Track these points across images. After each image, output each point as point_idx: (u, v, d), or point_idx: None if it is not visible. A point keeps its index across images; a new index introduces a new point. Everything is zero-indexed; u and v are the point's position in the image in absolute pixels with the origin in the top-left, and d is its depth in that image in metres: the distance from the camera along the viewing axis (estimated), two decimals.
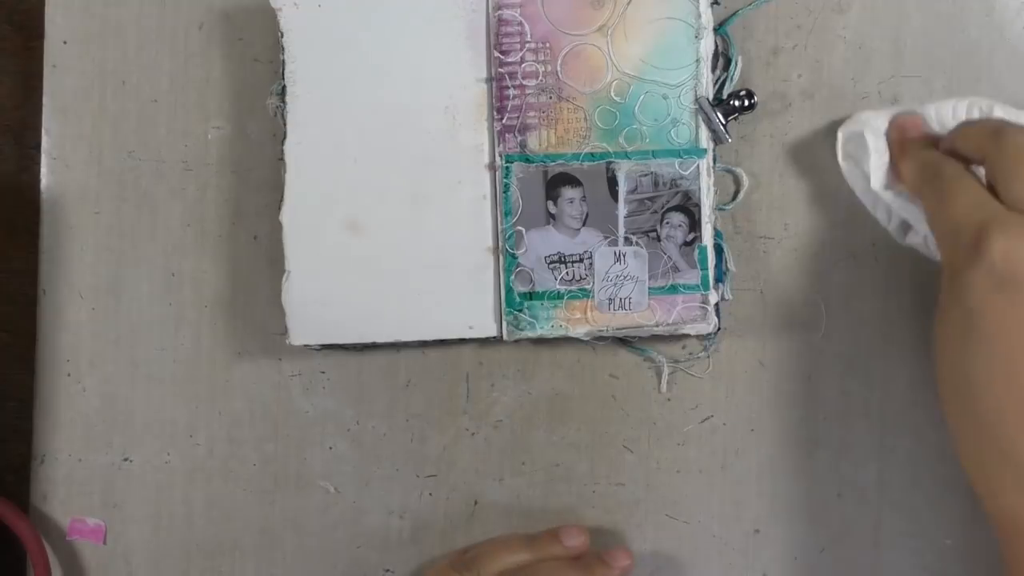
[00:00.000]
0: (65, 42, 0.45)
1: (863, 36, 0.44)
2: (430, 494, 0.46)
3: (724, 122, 0.42)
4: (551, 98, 0.43)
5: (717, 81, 0.43)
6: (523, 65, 0.42)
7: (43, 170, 0.45)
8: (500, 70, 0.42)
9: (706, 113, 0.42)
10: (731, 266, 0.44)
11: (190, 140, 0.45)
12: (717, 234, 0.43)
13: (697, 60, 0.42)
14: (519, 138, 0.43)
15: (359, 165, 0.43)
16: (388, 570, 0.46)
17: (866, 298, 0.44)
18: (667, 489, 0.45)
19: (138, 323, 0.46)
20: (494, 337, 0.43)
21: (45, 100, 0.45)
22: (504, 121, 0.43)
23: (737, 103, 0.43)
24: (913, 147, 0.40)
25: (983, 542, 0.45)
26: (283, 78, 0.43)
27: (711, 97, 0.42)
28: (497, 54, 0.42)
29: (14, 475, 0.46)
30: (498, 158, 0.43)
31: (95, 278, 0.46)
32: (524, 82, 0.43)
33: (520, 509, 0.46)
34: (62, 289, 0.46)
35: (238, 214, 0.45)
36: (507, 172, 0.43)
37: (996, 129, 0.36)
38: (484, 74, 0.43)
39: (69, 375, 0.46)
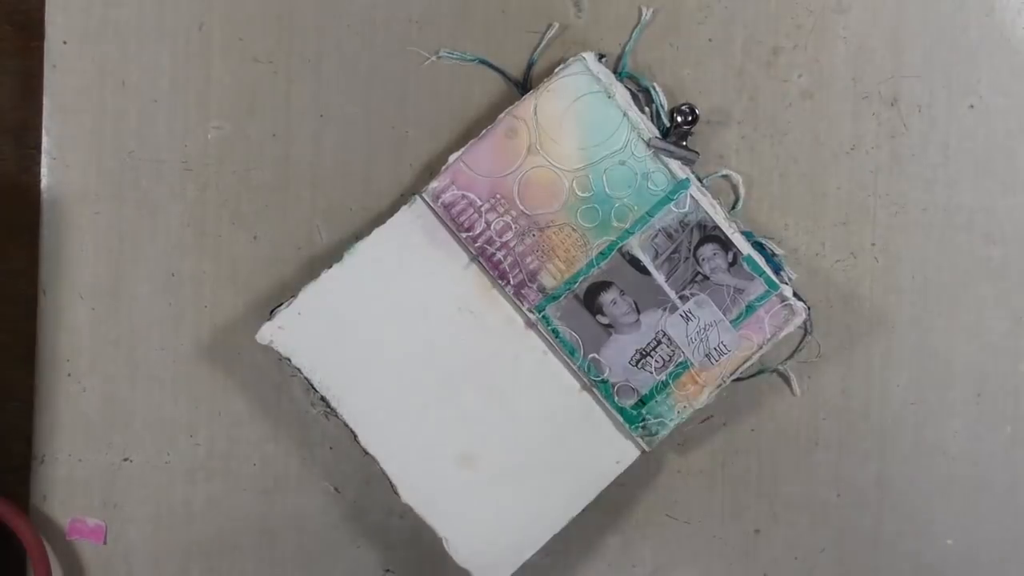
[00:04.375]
0: (65, 42, 0.45)
1: (863, 36, 0.44)
2: None
3: (684, 144, 0.42)
4: (534, 235, 0.43)
5: (652, 116, 0.43)
6: (491, 226, 0.43)
7: (43, 170, 0.45)
8: (476, 245, 0.43)
9: (663, 149, 0.42)
10: (778, 250, 0.44)
11: (190, 140, 0.45)
12: (747, 235, 0.43)
13: (624, 114, 0.42)
14: (534, 286, 0.43)
15: (431, 409, 0.43)
16: (388, 570, 0.46)
17: (866, 298, 0.44)
18: (667, 489, 0.45)
19: (138, 323, 0.46)
20: (643, 453, 0.43)
21: (45, 100, 0.45)
22: (512, 282, 0.43)
23: (681, 119, 0.43)
24: None
25: (983, 542, 0.45)
26: (315, 390, 0.43)
27: (658, 133, 0.42)
28: (464, 234, 0.42)
29: (14, 475, 0.46)
30: (531, 314, 0.43)
31: (95, 278, 0.46)
32: (502, 239, 0.43)
33: None
34: (62, 289, 0.46)
35: (238, 214, 0.45)
36: (546, 320, 0.43)
37: None
38: (466, 258, 0.43)
39: (69, 375, 0.46)
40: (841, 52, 0.44)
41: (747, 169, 0.44)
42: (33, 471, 0.46)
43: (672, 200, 0.42)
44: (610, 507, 0.45)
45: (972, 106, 0.44)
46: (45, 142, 0.45)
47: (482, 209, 0.43)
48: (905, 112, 0.44)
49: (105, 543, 0.46)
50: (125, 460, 0.46)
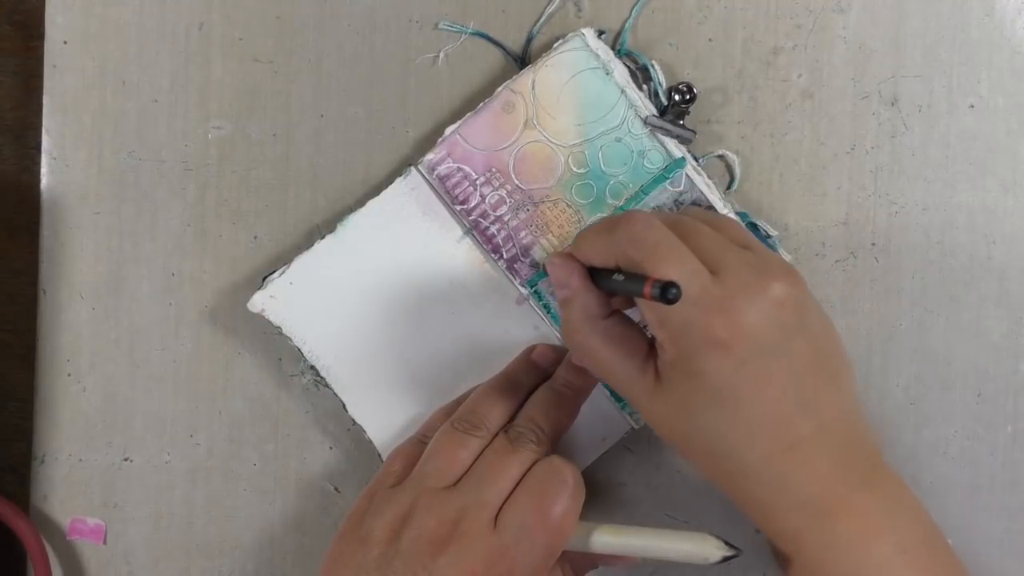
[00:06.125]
0: (65, 42, 0.45)
1: (863, 36, 0.44)
2: None
3: (681, 123, 0.42)
4: (528, 209, 0.43)
5: (650, 94, 0.43)
6: (486, 200, 0.42)
7: (43, 170, 0.45)
8: (471, 218, 0.43)
9: (660, 128, 0.42)
10: (772, 231, 0.44)
11: (190, 140, 0.45)
12: (742, 215, 0.43)
13: (621, 91, 0.42)
14: (527, 260, 0.43)
15: (420, 381, 0.43)
16: None
17: (866, 298, 0.44)
18: (667, 489, 0.45)
19: (138, 323, 0.46)
20: (631, 429, 0.43)
21: (45, 100, 0.45)
22: (505, 256, 0.43)
23: (678, 97, 0.42)
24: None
25: (983, 541, 0.45)
26: (305, 359, 0.43)
27: (655, 111, 0.42)
28: (459, 207, 0.42)
29: (14, 475, 0.46)
30: (522, 289, 0.43)
31: (95, 278, 0.46)
32: (496, 213, 0.42)
33: None
34: (62, 289, 0.46)
35: (238, 214, 0.45)
36: (538, 295, 0.43)
37: (610, 224, 0.37)
38: (460, 231, 0.43)
39: (69, 375, 0.46)
40: (841, 52, 0.44)
41: (747, 169, 0.44)
42: (33, 471, 0.46)
43: (667, 179, 0.42)
44: (610, 507, 0.45)
45: (972, 106, 0.44)
46: (45, 142, 0.45)
47: (477, 182, 0.42)
48: (905, 112, 0.44)
49: (105, 543, 0.46)
50: (125, 460, 0.46)
